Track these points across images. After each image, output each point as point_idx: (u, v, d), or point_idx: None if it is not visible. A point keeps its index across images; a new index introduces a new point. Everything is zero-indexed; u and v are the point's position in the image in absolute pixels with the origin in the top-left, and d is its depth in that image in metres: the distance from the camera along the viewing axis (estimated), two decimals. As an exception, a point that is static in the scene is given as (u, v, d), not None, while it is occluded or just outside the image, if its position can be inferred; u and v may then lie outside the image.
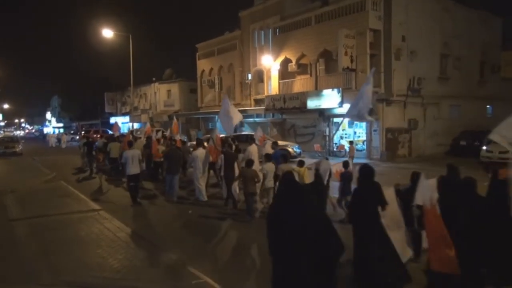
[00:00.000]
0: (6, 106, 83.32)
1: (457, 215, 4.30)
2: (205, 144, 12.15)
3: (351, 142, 17.51)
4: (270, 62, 25.60)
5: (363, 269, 4.83)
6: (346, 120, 13.41)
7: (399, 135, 20.38)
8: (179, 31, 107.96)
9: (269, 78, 26.64)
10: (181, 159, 11.86)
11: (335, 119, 21.80)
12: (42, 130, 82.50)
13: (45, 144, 40.44)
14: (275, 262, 4.08)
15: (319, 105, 21.68)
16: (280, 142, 19.43)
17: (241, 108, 21.23)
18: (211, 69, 33.18)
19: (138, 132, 24.50)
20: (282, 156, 9.57)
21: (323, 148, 21.18)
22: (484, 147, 16.39)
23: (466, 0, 24.43)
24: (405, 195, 5.12)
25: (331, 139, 22.29)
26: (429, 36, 21.96)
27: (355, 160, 14.77)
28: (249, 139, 12.95)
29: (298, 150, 20.08)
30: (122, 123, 44.35)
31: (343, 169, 8.52)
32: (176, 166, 11.42)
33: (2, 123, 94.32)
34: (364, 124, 20.24)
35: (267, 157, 9.60)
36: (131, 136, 17.03)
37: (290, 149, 19.36)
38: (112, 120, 47.58)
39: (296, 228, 3.92)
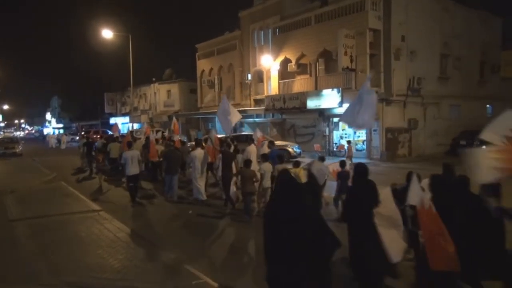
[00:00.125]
0: (6, 107, 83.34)
1: (452, 214, 4.32)
2: (204, 144, 12.16)
3: (349, 142, 17.61)
4: (270, 62, 25.59)
5: (359, 267, 4.85)
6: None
7: (399, 135, 20.41)
8: (179, 31, 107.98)
9: (268, 78, 26.64)
10: (179, 160, 11.87)
11: (335, 119, 21.81)
12: (42, 131, 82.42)
13: (45, 145, 40.50)
14: (271, 262, 4.05)
15: (319, 105, 21.70)
16: (280, 142, 19.52)
17: (241, 108, 21.25)
18: (211, 69, 33.18)
19: (138, 133, 24.51)
20: (278, 156, 9.62)
21: (323, 148, 21.18)
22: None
23: (466, 0, 24.46)
24: (401, 195, 5.17)
25: (331, 139, 22.32)
26: (429, 36, 21.98)
27: (354, 160, 14.77)
28: (249, 140, 12.97)
29: (298, 150, 20.08)
30: (122, 123, 44.35)
31: (340, 168, 8.69)
32: (175, 166, 11.44)
33: (2, 124, 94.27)
34: (364, 124, 20.20)
35: (264, 157, 9.66)
36: (130, 137, 17.05)
37: (290, 149, 19.40)
38: (112, 120, 47.60)
39: (295, 228, 3.91)
